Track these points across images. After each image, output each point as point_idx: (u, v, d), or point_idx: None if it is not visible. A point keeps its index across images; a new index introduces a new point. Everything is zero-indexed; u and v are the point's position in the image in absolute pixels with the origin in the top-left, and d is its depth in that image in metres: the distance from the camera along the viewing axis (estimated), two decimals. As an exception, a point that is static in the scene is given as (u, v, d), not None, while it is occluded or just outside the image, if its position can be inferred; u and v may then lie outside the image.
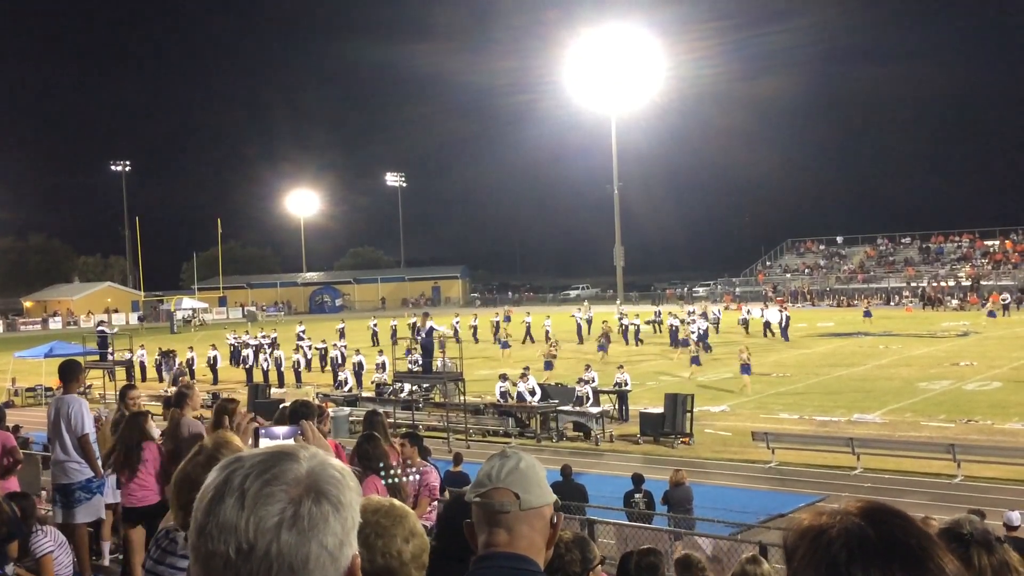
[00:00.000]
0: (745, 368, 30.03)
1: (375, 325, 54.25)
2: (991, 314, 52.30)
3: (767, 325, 47.91)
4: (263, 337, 44.41)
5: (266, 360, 39.24)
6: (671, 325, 46.16)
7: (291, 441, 2.79)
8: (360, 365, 35.85)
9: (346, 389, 31.39)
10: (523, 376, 26.89)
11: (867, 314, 54.19)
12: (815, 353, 39.74)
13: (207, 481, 1.34)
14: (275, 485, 1.30)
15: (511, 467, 2.31)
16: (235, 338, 45.29)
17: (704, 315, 48.36)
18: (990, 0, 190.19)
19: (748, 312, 52.46)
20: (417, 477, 8.69)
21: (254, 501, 1.28)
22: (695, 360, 34.28)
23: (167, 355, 40.86)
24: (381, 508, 2.52)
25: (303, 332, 47.79)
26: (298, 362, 39.69)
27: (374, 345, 47.18)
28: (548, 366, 33.76)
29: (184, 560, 3.23)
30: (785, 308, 50.75)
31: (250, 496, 1.28)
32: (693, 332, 41.74)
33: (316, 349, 42.44)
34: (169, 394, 14.99)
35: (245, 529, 1.26)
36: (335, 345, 40.18)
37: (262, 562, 1.25)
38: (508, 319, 55.31)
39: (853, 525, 1.38)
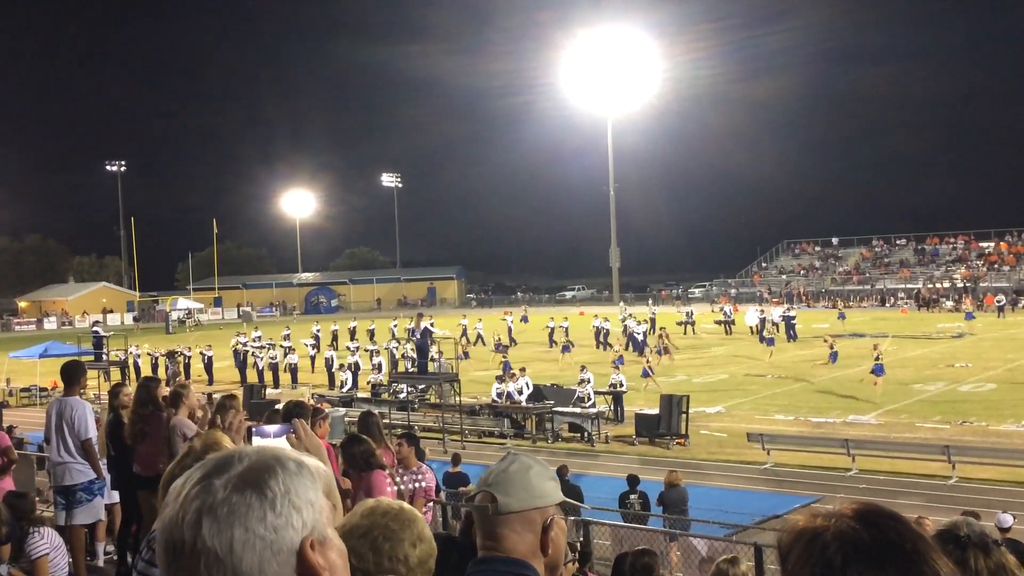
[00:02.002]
0: (878, 368, 27.71)
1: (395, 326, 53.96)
2: (969, 316, 52.90)
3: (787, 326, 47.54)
4: (262, 339, 44.12)
5: (259, 360, 39.17)
6: (596, 328, 46.55)
7: (283, 439, 2.77)
8: (356, 366, 35.80)
9: (345, 390, 31.29)
10: (512, 376, 26.92)
11: (841, 316, 54.25)
12: (811, 354, 39.75)
13: None
14: (206, 481, 1.34)
15: (500, 470, 2.30)
16: (246, 340, 43.82)
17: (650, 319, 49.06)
18: (986, 2, 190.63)
19: (787, 309, 50.39)
20: (422, 484, 8.67)
21: (185, 499, 1.33)
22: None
23: (172, 355, 40.68)
24: (390, 511, 2.50)
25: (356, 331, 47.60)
26: (293, 363, 39.61)
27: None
28: (645, 373, 31.10)
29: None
30: (790, 309, 50.89)
31: (183, 496, 1.33)
32: (639, 334, 42.13)
33: (366, 351, 39.11)
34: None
35: (176, 526, 1.31)
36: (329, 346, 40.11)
37: (192, 555, 1.29)
38: (525, 320, 55.47)
39: (848, 528, 1.37)
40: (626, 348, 42.80)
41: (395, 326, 50.89)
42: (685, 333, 50.40)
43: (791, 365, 36.58)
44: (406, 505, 2.58)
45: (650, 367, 30.97)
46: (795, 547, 1.40)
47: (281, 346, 41.27)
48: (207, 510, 1.30)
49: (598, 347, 45.48)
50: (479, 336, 51.04)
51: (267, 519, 1.31)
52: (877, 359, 27.74)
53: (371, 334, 49.89)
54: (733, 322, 51.53)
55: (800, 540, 1.40)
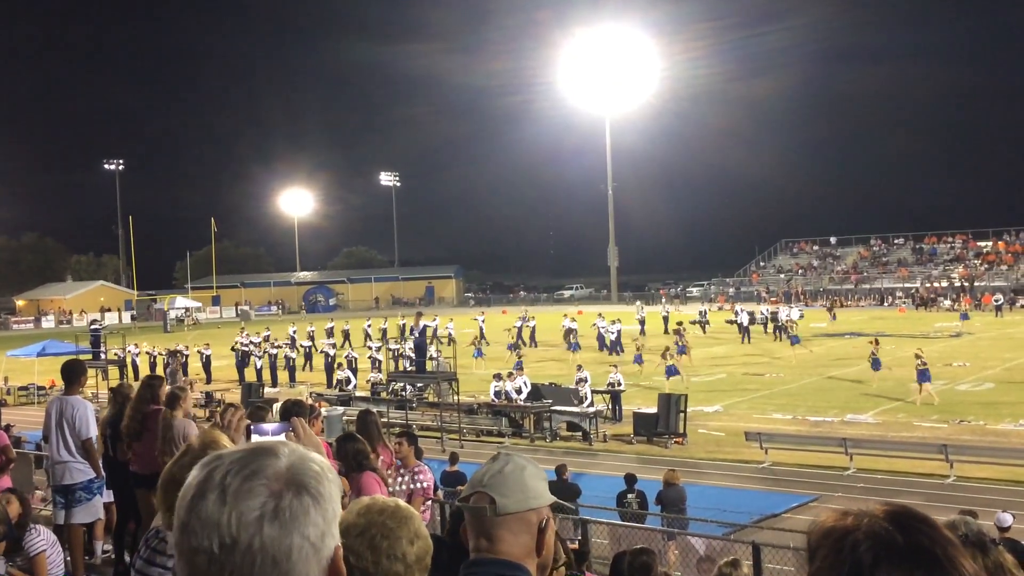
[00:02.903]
0: (923, 375, 26.59)
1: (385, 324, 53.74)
2: (964, 316, 53.27)
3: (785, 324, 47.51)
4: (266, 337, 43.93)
5: (259, 359, 39.23)
6: (565, 328, 46.08)
7: (281, 438, 2.77)
8: (376, 362, 35.92)
9: (350, 387, 31.22)
10: (511, 375, 26.92)
11: (833, 317, 54.24)
12: (808, 353, 39.78)
13: (189, 479, 1.36)
14: (255, 480, 1.31)
15: (494, 471, 2.27)
16: (256, 341, 42.95)
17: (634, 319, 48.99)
18: (984, 2, 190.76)
19: (788, 314, 49.58)
20: (421, 484, 8.66)
21: (235, 496, 1.29)
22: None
23: (174, 354, 40.62)
24: (387, 509, 2.49)
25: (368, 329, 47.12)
26: (291, 360, 39.66)
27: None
28: (671, 371, 30.66)
29: (174, 560, 3.20)
30: (791, 308, 51.13)
31: (231, 491, 1.30)
32: (612, 334, 42.12)
33: (390, 349, 38.27)
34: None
35: (227, 524, 1.27)
36: (326, 344, 40.10)
37: (245, 556, 1.27)
38: (525, 320, 55.55)
39: (880, 528, 1.37)
40: (600, 349, 42.97)
41: (368, 327, 50.55)
42: (704, 332, 50.45)
43: (788, 364, 36.56)
44: (401, 502, 2.58)
45: (675, 362, 30.90)
46: (824, 545, 1.40)
47: (301, 345, 41.26)
48: (270, 514, 1.28)
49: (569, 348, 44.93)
50: (449, 335, 50.74)
51: (319, 525, 1.32)
52: (921, 366, 26.57)
53: (346, 335, 49.66)
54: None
55: (829, 538, 1.40)
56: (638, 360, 35.61)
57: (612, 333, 43.05)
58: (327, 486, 1.35)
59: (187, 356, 41.02)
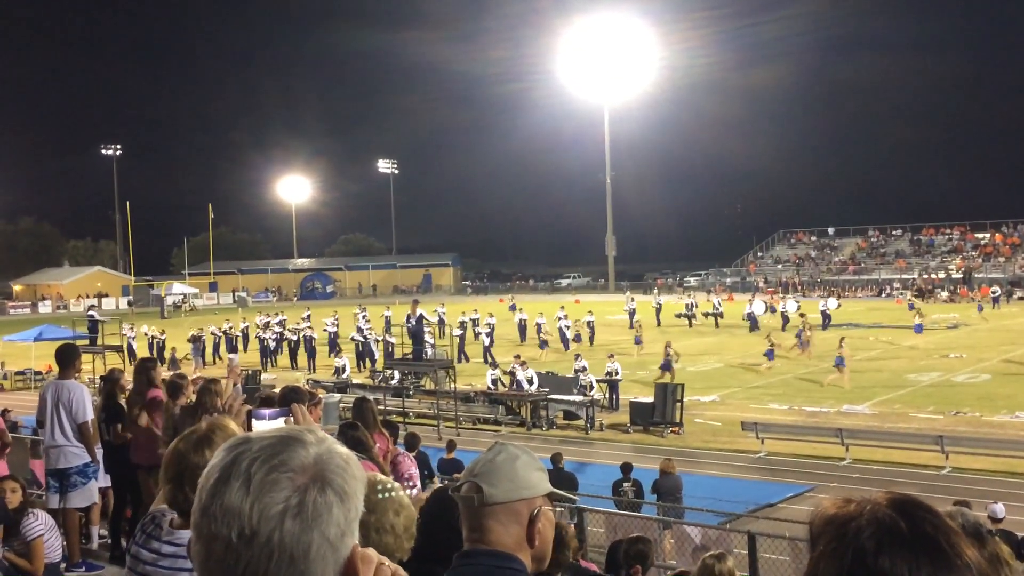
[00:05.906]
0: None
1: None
2: (911, 306, 53.82)
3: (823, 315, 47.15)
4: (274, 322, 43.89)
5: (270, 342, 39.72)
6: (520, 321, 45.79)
7: (280, 423, 2.76)
8: (368, 349, 36.11)
9: (344, 376, 31.24)
10: (524, 364, 26.90)
11: (773, 309, 54.06)
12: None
13: (213, 461, 1.34)
14: (281, 471, 1.29)
15: (486, 460, 2.24)
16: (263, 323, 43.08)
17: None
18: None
19: (786, 308, 49.11)
20: (413, 492, 8.63)
21: (259, 487, 1.27)
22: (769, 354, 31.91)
23: (196, 340, 40.63)
24: (368, 483, 2.48)
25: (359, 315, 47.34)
26: (291, 343, 39.84)
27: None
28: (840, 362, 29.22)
29: (168, 546, 3.20)
30: (790, 301, 51.26)
31: (256, 481, 1.28)
32: (568, 329, 41.84)
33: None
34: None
35: (249, 515, 1.26)
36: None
37: (263, 549, 1.25)
38: (513, 308, 55.62)
39: (884, 515, 1.36)
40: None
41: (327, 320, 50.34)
42: (690, 326, 50.29)
43: (784, 355, 36.54)
44: (379, 475, 2.57)
45: (842, 359, 29.01)
46: (827, 532, 1.39)
47: (297, 329, 41.45)
48: (293, 509, 1.26)
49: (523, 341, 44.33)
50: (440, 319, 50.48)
51: (340, 525, 1.30)
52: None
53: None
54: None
55: (832, 525, 1.39)
56: (769, 354, 32.18)
57: (567, 328, 42.82)
58: (352, 483, 1.33)
59: (220, 337, 40.99)
